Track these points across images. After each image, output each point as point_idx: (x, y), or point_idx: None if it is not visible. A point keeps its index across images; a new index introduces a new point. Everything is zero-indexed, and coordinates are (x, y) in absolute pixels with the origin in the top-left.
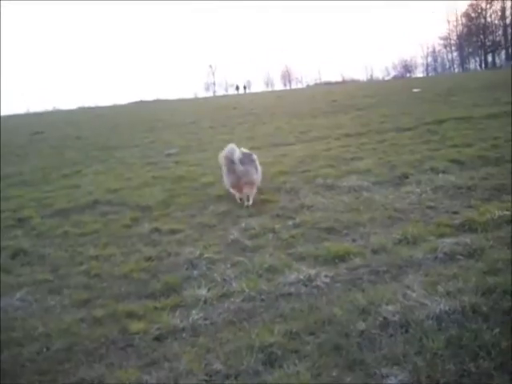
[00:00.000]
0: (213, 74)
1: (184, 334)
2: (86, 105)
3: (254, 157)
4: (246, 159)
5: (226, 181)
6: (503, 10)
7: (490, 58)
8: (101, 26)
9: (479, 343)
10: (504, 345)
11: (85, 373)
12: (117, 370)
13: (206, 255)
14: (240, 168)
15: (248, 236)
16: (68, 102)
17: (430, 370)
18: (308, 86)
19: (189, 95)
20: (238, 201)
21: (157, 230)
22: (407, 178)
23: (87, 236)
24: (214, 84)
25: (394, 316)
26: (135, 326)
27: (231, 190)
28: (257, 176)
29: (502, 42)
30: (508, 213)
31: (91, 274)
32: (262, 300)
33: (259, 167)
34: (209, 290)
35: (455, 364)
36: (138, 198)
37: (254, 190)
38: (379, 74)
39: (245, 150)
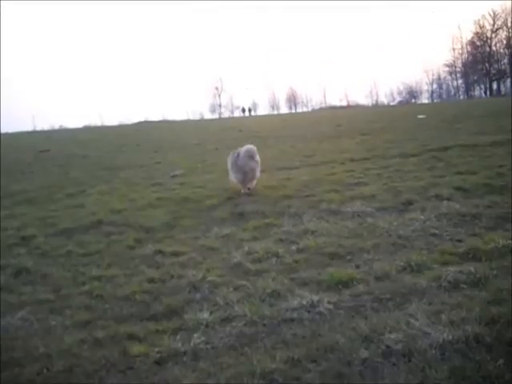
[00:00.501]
0: (219, 95)
1: (185, 358)
2: (93, 124)
3: (255, 150)
4: (248, 154)
5: (234, 177)
6: (508, 38)
7: (495, 86)
8: (107, 45)
9: (483, 374)
10: (508, 376)
11: None
12: None
13: (208, 278)
14: (246, 168)
15: (251, 260)
16: (74, 120)
17: None
18: (313, 109)
19: (195, 116)
20: (242, 191)
21: (160, 251)
22: (411, 204)
23: (90, 256)
24: (220, 106)
25: (396, 344)
26: (136, 348)
27: (237, 184)
28: (258, 170)
29: (508, 70)
30: None
31: (93, 295)
32: (264, 325)
33: (259, 159)
34: (211, 313)
35: None
36: (141, 219)
37: (255, 182)
38: (384, 99)
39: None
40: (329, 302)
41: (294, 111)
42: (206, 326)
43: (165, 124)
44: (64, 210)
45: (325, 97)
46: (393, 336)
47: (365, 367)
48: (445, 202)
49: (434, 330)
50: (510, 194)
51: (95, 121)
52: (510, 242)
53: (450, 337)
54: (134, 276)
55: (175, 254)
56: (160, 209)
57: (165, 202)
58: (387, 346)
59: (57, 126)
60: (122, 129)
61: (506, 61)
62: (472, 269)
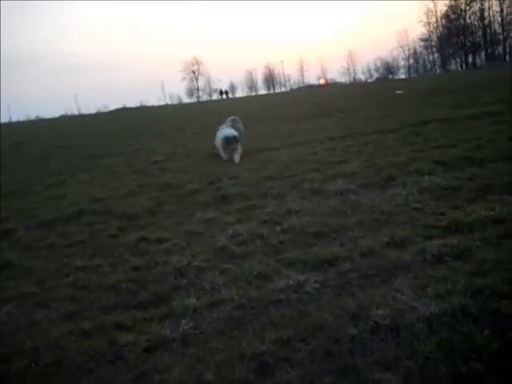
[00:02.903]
0: (196, 79)
1: (174, 345)
2: (70, 113)
3: (237, 119)
4: (232, 124)
5: (223, 154)
6: (482, 11)
7: (470, 59)
8: (82, 31)
9: (470, 345)
10: (494, 346)
11: None
12: None
13: (194, 263)
14: (233, 146)
15: (236, 243)
16: (51, 110)
17: (422, 373)
18: (291, 89)
19: (173, 101)
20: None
21: (144, 239)
22: (393, 180)
23: (73, 247)
24: (198, 89)
25: (384, 320)
26: (124, 337)
27: (224, 157)
28: (241, 141)
29: (482, 42)
30: (493, 213)
31: (78, 286)
32: (252, 308)
33: (242, 127)
34: (198, 298)
35: (447, 367)
36: (124, 207)
37: (238, 155)
38: (362, 76)
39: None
40: (315, 282)
41: (272, 92)
42: (194, 311)
43: (143, 110)
44: (44, 202)
45: (302, 76)
46: (380, 312)
47: (354, 344)
48: (426, 177)
49: (420, 303)
50: (489, 166)
51: (72, 110)
52: (491, 213)
53: (437, 310)
54: (118, 265)
55: (159, 241)
56: (142, 196)
57: (146, 189)
58: (375, 322)
59: (33, 117)
60: (99, 117)
61: (480, 33)
62: (455, 241)
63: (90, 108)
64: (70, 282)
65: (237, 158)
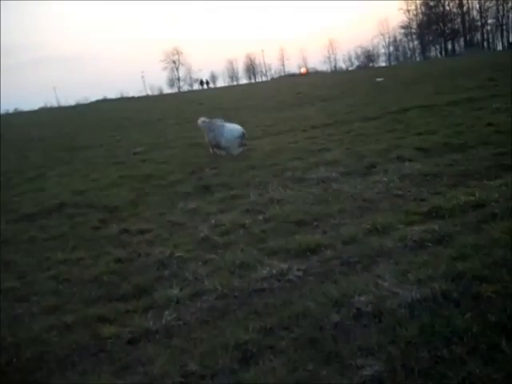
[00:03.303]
0: (177, 69)
1: (157, 336)
2: (49, 105)
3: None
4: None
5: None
6: None
7: (449, 46)
8: (61, 20)
9: (451, 329)
10: (475, 329)
11: (57, 381)
12: (90, 377)
13: (176, 254)
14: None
15: (218, 233)
16: (30, 103)
17: (404, 358)
18: (272, 78)
19: (154, 92)
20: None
21: (126, 230)
22: (374, 167)
23: (54, 240)
24: (179, 80)
25: (367, 306)
26: (107, 330)
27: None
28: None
29: (461, 29)
30: (473, 198)
31: (60, 279)
32: (235, 297)
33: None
34: (181, 289)
35: (429, 351)
36: (105, 199)
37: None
38: (343, 65)
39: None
40: (298, 270)
41: (253, 81)
42: (177, 302)
43: (123, 101)
44: (24, 195)
45: (283, 65)
46: (362, 298)
47: (337, 331)
48: (407, 163)
49: (402, 289)
50: (469, 152)
51: (51, 102)
52: (471, 198)
53: (418, 295)
54: (100, 257)
55: (141, 232)
56: (123, 187)
57: (128, 180)
58: (357, 309)
59: (11, 110)
60: (79, 108)
61: (459, 20)
62: (436, 227)
63: (69, 100)
64: (52, 276)
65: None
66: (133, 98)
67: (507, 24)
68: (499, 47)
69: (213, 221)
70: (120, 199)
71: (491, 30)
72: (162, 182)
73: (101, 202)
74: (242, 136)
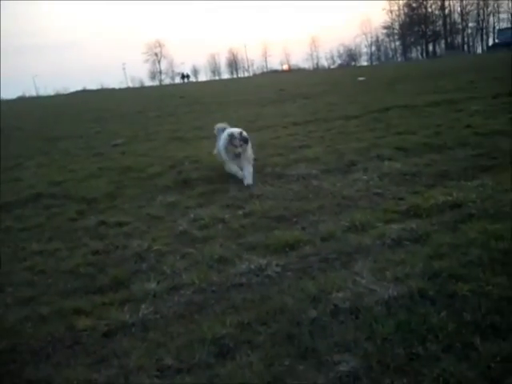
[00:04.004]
0: (159, 62)
1: (133, 330)
2: (28, 94)
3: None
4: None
5: (227, 163)
6: (443, 0)
7: (430, 48)
8: (39, 9)
9: (427, 327)
10: (451, 327)
11: (31, 374)
12: (64, 369)
13: (154, 247)
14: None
15: (197, 227)
16: (8, 92)
17: (380, 355)
18: (255, 74)
19: (135, 84)
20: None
21: (103, 222)
22: (354, 165)
23: (30, 230)
24: (161, 73)
25: (344, 303)
26: (82, 322)
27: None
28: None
29: (442, 32)
30: (451, 198)
31: (35, 270)
32: (213, 292)
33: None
34: (158, 283)
35: (404, 348)
36: (83, 191)
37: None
38: (325, 63)
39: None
40: (277, 265)
41: (235, 76)
42: (154, 295)
43: (104, 92)
44: (1, 185)
45: (266, 61)
46: (340, 295)
47: (314, 327)
48: (386, 162)
49: (379, 286)
50: (447, 152)
51: (30, 91)
52: (449, 198)
53: (395, 292)
54: (77, 249)
55: (119, 225)
56: (102, 179)
57: (106, 172)
58: (335, 305)
59: None
60: (58, 99)
61: (440, 23)
62: (414, 225)
63: (48, 90)
64: (27, 267)
65: (249, 176)
66: (113, 90)
67: (487, 28)
68: (479, 50)
69: (192, 215)
70: (98, 191)
71: (471, 33)
72: (141, 175)
73: (78, 193)
74: (231, 136)
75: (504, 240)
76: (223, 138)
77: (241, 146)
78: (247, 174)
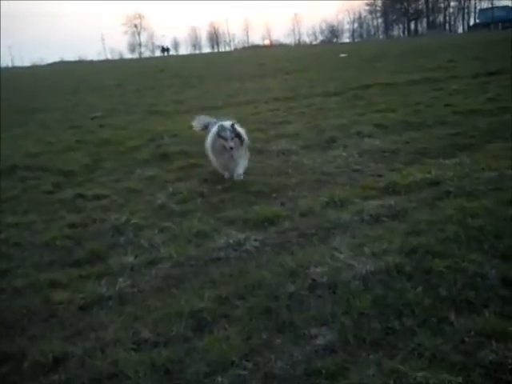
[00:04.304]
0: (138, 34)
1: (110, 303)
2: (3, 65)
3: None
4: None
5: (214, 159)
6: None
7: (412, 26)
8: None
9: (403, 302)
10: (426, 302)
11: (6, 346)
12: (39, 342)
13: (132, 221)
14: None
15: (176, 201)
16: None
17: (356, 329)
18: (236, 49)
19: (114, 56)
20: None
21: (81, 195)
22: (334, 142)
23: (5, 203)
24: (140, 45)
25: (322, 278)
26: (58, 295)
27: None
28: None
29: (424, 10)
30: (429, 175)
31: (10, 243)
32: (191, 266)
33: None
34: (136, 256)
35: (380, 322)
36: (60, 163)
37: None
38: (307, 39)
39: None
40: (255, 240)
41: (216, 51)
42: (132, 269)
43: (82, 64)
44: None
45: (247, 36)
46: (318, 269)
47: (291, 301)
48: (366, 139)
49: (357, 262)
50: (426, 130)
51: (5, 61)
52: (427, 175)
53: (373, 268)
54: (53, 222)
55: (97, 198)
56: (79, 152)
57: (84, 145)
58: (313, 280)
59: None
60: (35, 70)
61: (423, 0)
62: (392, 202)
63: (24, 60)
64: (2, 239)
65: (239, 167)
66: (92, 62)
67: (468, 7)
68: (460, 30)
69: (170, 189)
70: (75, 164)
71: (453, 12)
72: (119, 148)
73: (55, 165)
74: (220, 129)
75: (480, 217)
76: (210, 136)
77: (232, 139)
78: (239, 168)
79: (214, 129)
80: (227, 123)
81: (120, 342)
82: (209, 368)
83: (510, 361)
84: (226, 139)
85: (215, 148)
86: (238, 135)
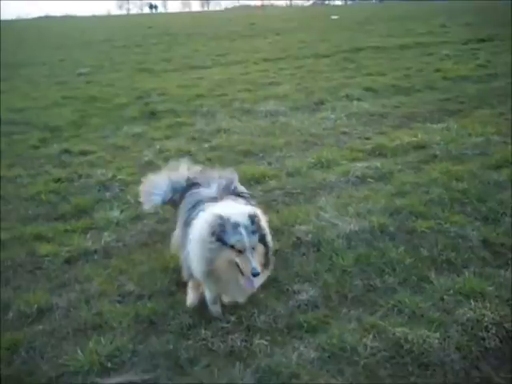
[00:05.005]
0: None
1: (96, 256)
2: None
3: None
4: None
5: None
6: None
7: None
8: None
9: (385, 260)
10: (408, 262)
11: None
12: (24, 293)
13: (118, 177)
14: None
15: (163, 158)
16: None
17: (339, 285)
18: (226, 8)
19: (101, 12)
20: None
21: (67, 151)
22: (323, 104)
23: None
24: (128, 1)
25: (306, 236)
26: (44, 248)
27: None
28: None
29: None
30: (416, 139)
31: None
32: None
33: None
34: (122, 212)
35: (362, 280)
36: (46, 119)
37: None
38: (299, 1)
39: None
40: None
41: (206, 9)
42: (117, 224)
43: (68, 20)
44: None
45: None
46: (303, 228)
47: (276, 258)
48: (355, 102)
49: (341, 221)
50: (415, 95)
51: None
52: (414, 139)
53: (357, 227)
54: (38, 176)
55: (83, 153)
56: (66, 108)
57: (71, 101)
58: (297, 238)
59: None
60: (20, 23)
61: None
62: (378, 164)
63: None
64: None
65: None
66: (78, 18)
67: None
68: None
69: (158, 146)
70: (62, 120)
71: None
72: (106, 105)
73: (41, 121)
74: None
75: (464, 181)
76: (199, 237)
77: (254, 249)
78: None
79: (206, 222)
80: (239, 210)
81: (105, 294)
82: (192, 320)
83: (486, 318)
84: (242, 249)
85: (213, 269)
86: (263, 237)
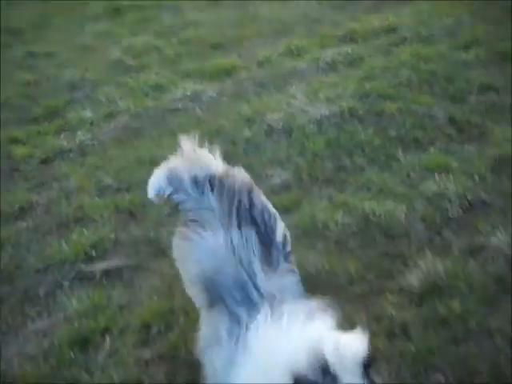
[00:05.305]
0: None
1: (71, 155)
2: None
3: None
4: None
5: None
6: None
7: None
8: None
9: (355, 142)
10: (376, 142)
11: None
12: (5, 195)
13: (88, 77)
14: None
15: (131, 55)
16: None
17: (310, 168)
18: None
19: None
20: None
21: (31, 54)
22: None
23: None
24: None
25: (278, 123)
26: (19, 150)
27: None
28: None
29: None
30: (387, 23)
31: None
32: (150, 117)
33: None
34: (94, 111)
35: (333, 161)
36: (5, 21)
37: None
38: None
39: None
40: (212, 91)
41: None
42: (91, 123)
43: None
44: None
45: None
46: (274, 116)
47: (249, 146)
48: None
49: (312, 107)
50: None
51: None
52: (385, 23)
53: (327, 112)
54: (6, 81)
55: (49, 55)
56: (23, 7)
57: (28, 1)
58: (269, 125)
59: None
60: None
61: None
62: (349, 50)
63: None
64: None
65: None
66: None
67: None
68: None
69: (125, 43)
70: (22, 21)
71: None
72: (68, 3)
73: (1, 23)
74: None
75: (433, 62)
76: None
77: None
78: None
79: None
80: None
81: (84, 189)
82: (171, 209)
83: (450, 191)
84: None
85: None
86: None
